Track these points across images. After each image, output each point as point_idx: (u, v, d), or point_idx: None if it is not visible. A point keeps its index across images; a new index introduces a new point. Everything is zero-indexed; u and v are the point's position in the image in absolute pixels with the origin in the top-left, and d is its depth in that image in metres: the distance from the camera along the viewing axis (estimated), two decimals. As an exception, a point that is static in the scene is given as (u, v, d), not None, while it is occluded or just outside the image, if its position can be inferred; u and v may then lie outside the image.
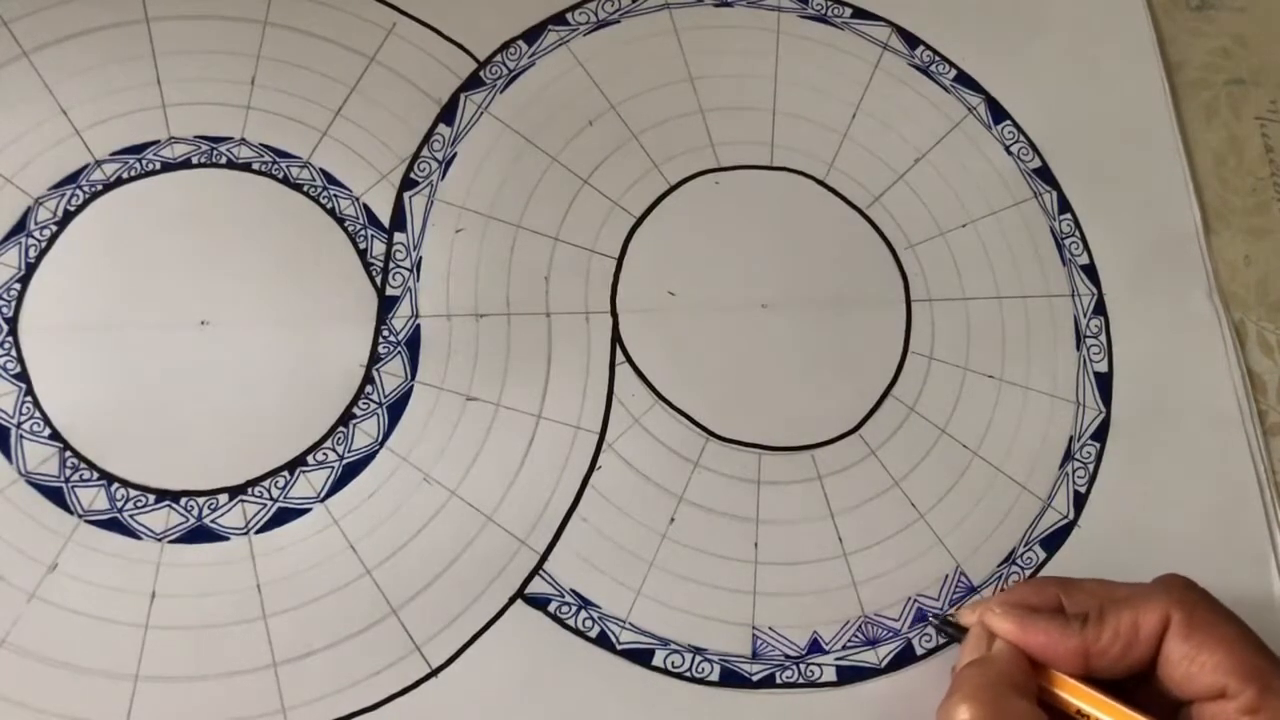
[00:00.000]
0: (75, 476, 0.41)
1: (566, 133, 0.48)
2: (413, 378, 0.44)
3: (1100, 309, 0.49)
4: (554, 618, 0.42)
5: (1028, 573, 0.45)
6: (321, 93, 0.47)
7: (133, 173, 0.45)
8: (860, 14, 0.53)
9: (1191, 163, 0.53)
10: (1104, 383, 0.48)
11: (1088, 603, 0.39)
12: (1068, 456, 0.47)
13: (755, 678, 0.42)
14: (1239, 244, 0.52)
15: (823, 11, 0.52)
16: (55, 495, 0.40)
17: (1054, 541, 0.45)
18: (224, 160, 0.46)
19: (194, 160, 0.45)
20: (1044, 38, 0.54)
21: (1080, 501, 0.46)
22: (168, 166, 0.45)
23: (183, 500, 0.41)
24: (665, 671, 0.41)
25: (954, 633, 0.42)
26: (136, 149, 0.45)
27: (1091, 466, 0.47)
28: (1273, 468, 0.48)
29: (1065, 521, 0.46)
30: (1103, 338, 0.49)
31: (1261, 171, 0.53)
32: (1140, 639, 0.37)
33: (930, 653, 0.43)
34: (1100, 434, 0.47)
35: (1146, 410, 0.48)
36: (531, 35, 0.50)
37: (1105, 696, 0.37)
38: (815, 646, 0.43)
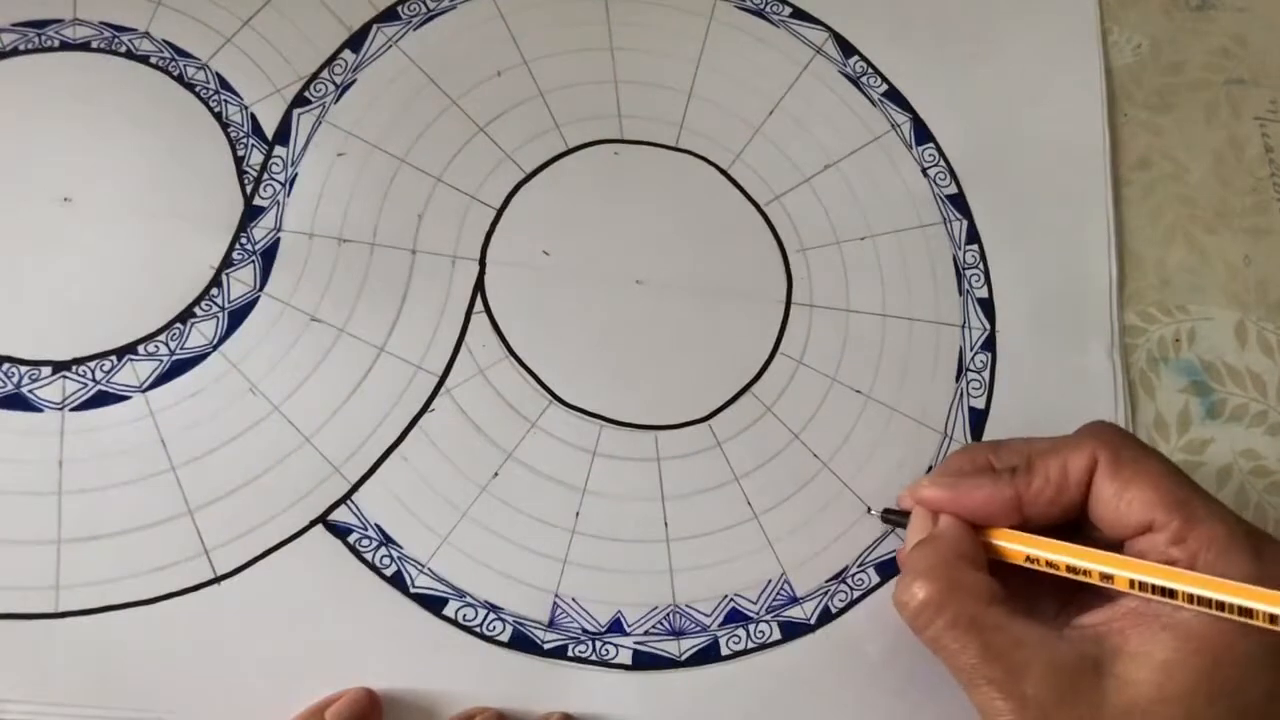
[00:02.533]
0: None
1: (472, 79, 0.50)
2: (261, 288, 0.45)
3: (990, 345, 0.50)
4: (352, 549, 0.43)
5: (857, 594, 0.45)
6: (234, 0, 0.49)
7: (30, 46, 0.47)
8: (800, 14, 0.54)
9: (1119, 223, 0.53)
10: (978, 419, 0.49)
11: (1016, 457, 0.41)
12: (923, 486, 0.47)
13: (547, 646, 0.43)
14: (1239, 244, 0.53)
15: (761, 6, 0.54)
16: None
17: (891, 568, 0.46)
18: (124, 49, 0.48)
19: (94, 44, 0.48)
20: (987, 68, 0.55)
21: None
22: (66, 46, 0.47)
23: (4, 366, 0.43)
24: (455, 623, 0.42)
25: (897, 519, 0.44)
26: (39, 24, 0.47)
27: (946, 500, 0.47)
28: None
29: (907, 550, 0.46)
30: (986, 374, 0.49)
31: (1261, 171, 0.55)
32: (1070, 481, 0.39)
33: (736, 655, 0.43)
34: (963, 469, 0.47)
35: (1017, 455, 0.48)
36: (459, -21, 0.52)
37: (1047, 539, 0.39)
38: (616, 626, 0.43)
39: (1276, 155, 0.55)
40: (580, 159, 0.50)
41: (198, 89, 0.48)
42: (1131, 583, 0.37)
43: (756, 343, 0.48)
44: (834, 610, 0.45)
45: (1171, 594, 0.37)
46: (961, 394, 0.49)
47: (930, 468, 0.47)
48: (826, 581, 0.45)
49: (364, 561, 0.42)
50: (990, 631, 0.37)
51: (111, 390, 0.43)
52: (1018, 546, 0.40)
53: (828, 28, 0.54)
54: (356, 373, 0.45)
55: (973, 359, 0.49)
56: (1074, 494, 0.39)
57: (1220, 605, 0.36)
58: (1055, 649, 0.37)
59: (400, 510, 0.43)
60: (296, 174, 0.47)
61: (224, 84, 0.48)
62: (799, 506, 0.46)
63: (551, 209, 0.49)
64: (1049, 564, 0.39)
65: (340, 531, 0.43)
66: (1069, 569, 0.39)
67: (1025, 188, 0.53)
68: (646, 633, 0.43)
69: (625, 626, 0.43)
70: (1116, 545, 0.39)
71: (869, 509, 0.46)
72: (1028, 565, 0.40)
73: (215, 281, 0.45)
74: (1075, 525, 0.40)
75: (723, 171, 0.51)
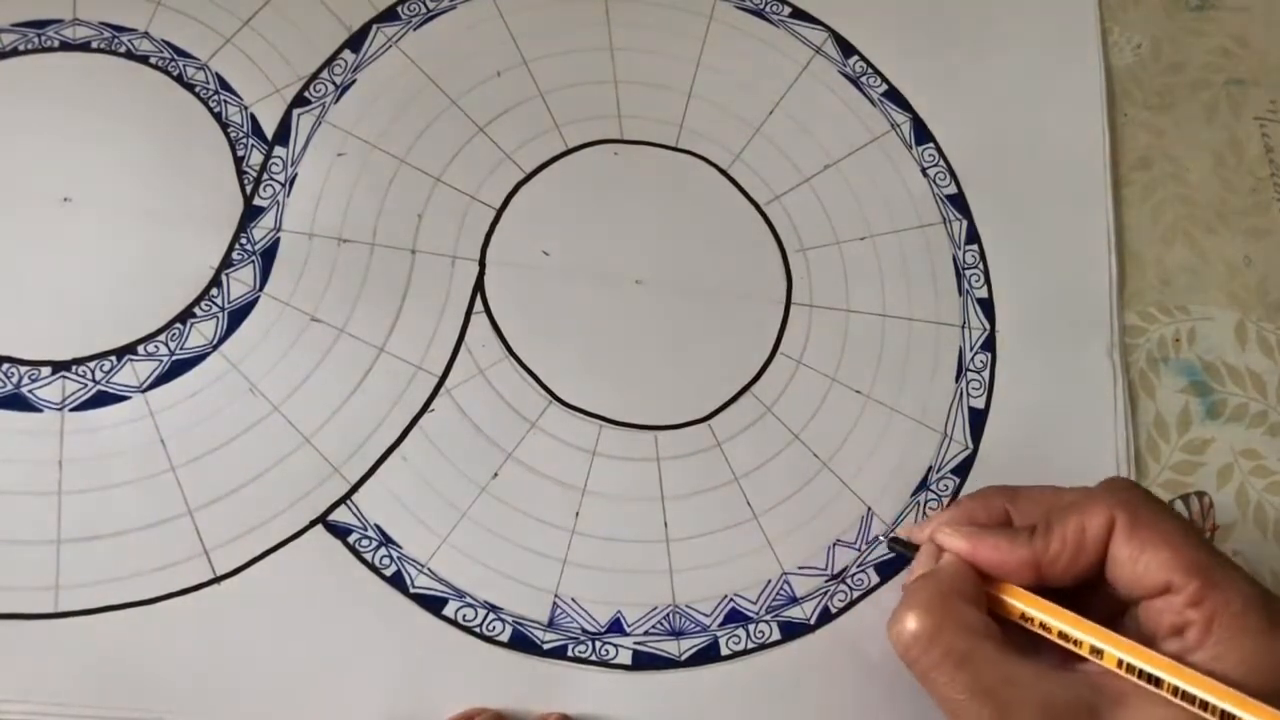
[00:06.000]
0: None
1: (472, 79, 0.50)
2: (261, 288, 0.46)
3: (989, 345, 0.50)
4: (351, 549, 0.43)
5: (856, 594, 0.45)
6: (234, 0, 0.49)
7: (29, 46, 0.47)
8: (799, 14, 0.54)
9: (1119, 223, 0.53)
10: (977, 419, 0.49)
11: (1034, 513, 0.41)
12: (923, 485, 0.47)
13: (546, 646, 0.43)
14: (1239, 244, 0.53)
15: (761, 6, 0.54)
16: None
17: (890, 568, 0.46)
18: (123, 50, 0.48)
19: (93, 45, 0.48)
20: (987, 68, 0.55)
21: (927, 534, 0.46)
22: (66, 46, 0.48)
23: (4, 366, 0.43)
24: (454, 623, 0.42)
25: (905, 550, 0.44)
26: (39, 24, 0.48)
27: (946, 500, 0.47)
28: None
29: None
30: (985, 374, 0.49)
31: (1261, 171, 0.55)
32: (1087, 543, 0.38)
33: (736, 655, 0.44)
34: (962, 470, 0.48)
35: (1017, 456, 0.48)
36: (458, -20, 0.52)
37: (1046, 600, 0.39)
38: (616, 626, 0.43)
39: (1276, 155, 0.55)
40: (580, 159, 0.50)
41: (198, 89, 0.48)
42: (1120, 662, 0.37)
43: (756, 343, 0.48)
44: (834, 610, 0.45)
45: (1157, 682, 0.36)
46: (961, 394, 0.49)
47: (930, 468, 0.47)
48: (826, 581, 0.45)
49: (364, 562, 0.43)
50: (981, 667, 0.37)
51: (111, 390, 0.43)
52: (1016, 602, 0.39)
53: (827, 28, 0.55)
54: (356, 373, 0.45)
55: (973, 359, 0.50)
56: (1091, 556, 0.38)
57: (1204, 705, 0.35)
58: (1049, 689, 0.36)
59: (400, 510, 0.44)
60: (296, 174, 0.47)
61: (224, 84, 0.48)
62: (799, 506, 0.46)
63: (551, 209, 0.49)
64: (1043, 626, 0.39)
65: (340, 531, 0.43)
66: (1061, 635, 0.38)
67: (1025, 188, 0.53)
68: (646, 633, 0.43)
69: (625, 626, 0.43)
70: (1132, 606, 0.39)
71: (881, 536, 0.46)
72: (1022, 623, 0.39)
73: (215, 281, 0.45)
74: (1092, 583, 0.40)
75: (723, 171, 0.51)
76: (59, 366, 0.43)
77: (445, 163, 0.49)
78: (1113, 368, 0.50)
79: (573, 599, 0.43)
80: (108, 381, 0.43)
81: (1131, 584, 0.38)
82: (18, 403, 0.43)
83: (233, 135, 0.47)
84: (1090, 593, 0.40)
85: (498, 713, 0.40)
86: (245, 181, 0.47)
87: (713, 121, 0.52)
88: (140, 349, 0.44)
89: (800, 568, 0.45)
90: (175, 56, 0.48)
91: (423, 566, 0.43)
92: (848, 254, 0.50)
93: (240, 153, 0.47)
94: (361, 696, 0.41)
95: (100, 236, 0.45)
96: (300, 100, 0.49)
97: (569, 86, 0.51)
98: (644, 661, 0.43)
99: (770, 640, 0.44)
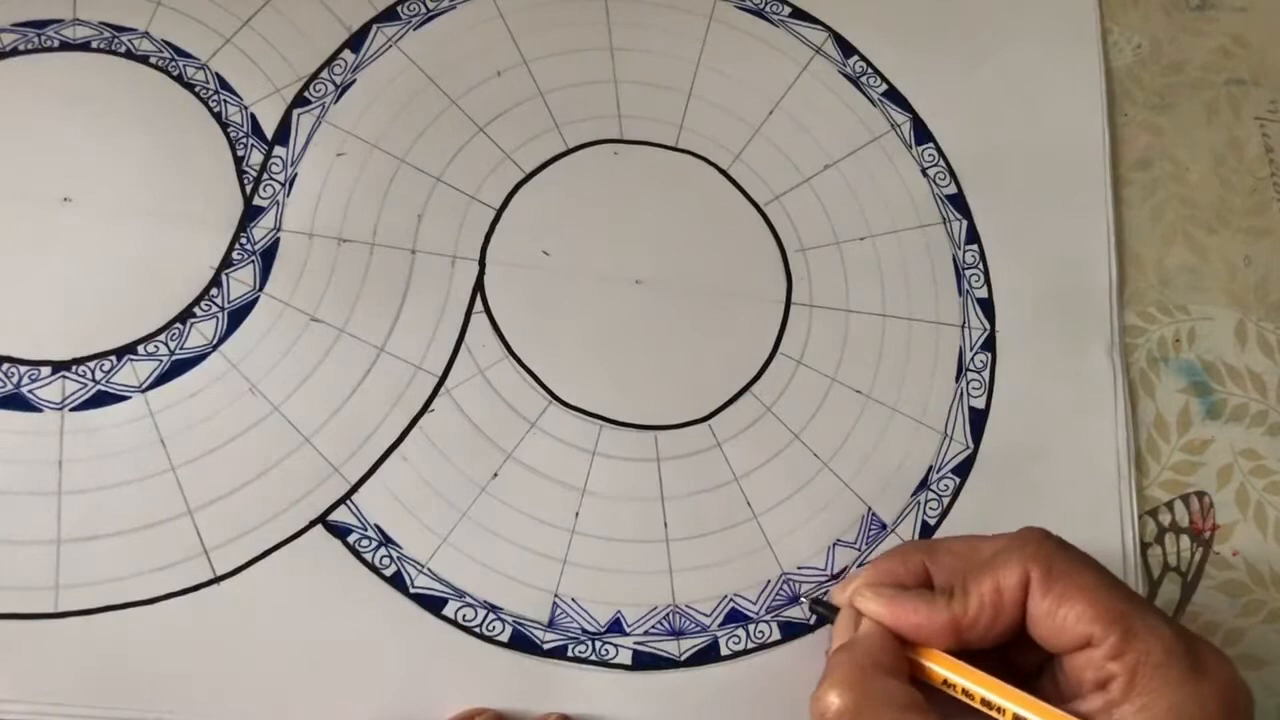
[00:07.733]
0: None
1: (472, 79, 0.50)
2: (261, 288, 0.46)
3: (989, 345, 0.50)
4: (351, 549, 0.43)
5: (856, 594, 0.45)
6: (234, 0, 0.49)
7: (29, 46, 0.47)
8: (799, 14, 0.54)
9: (1119, 223, 0.53)
10: (978, 419, 0.49)
11: (953, 567, 0.40)
12: (923, 485, 0.47)
13: (546, 646, 0.43)
14: (1239, 244, 0.53)
15: (761, 6, 0.54)
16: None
17: (890, 568, 0.46)
18: (124, 50, 0.48)
19: (93, 44, 0.48)
20: (988, 69, 0.55)
21: (927, 533, 0.47)
22: (66, 46, 0.48)
23: (4, 366, 0.43)
24: (454, 623, 0.42)
25: (826, 613, 0.43)
26: (39, 24, 0.48)
27: (946, 500, 0.47)
28: (1144, 545, 0.48)
29: (907, 550, 0.46)
30: (986, 374, 0.49)
31: (1261, 171, 0.55)
32: (1005, 603, 0.38)
33: (736, 655, 0.44)
34: (963, 469, 0.48)
35: (1017, 455, 0.48)
36: (458, -21, 0.52)
37: (969, 665, 0.38)
38: (616, 626, 0.43)
39: (1276, 155, 0.55)
40: (580, 159, 0.50)
41: (198, 89, 0.48)
42: None
43: (756, 343, 0.48)
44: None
45: None
46: (961, 394, 0.49)
47: (930, 468, 0.47)
48: (826, 581, 0.45)
49: (364, 562, 0.43)
50: None
51: (111, 390, 0.43)
52: (938, 668, 0.38)
53: (828, 28, 0.54)
54: (356, 373, 0.45)
55: (973, 359, 0.49)
56: (1011, 615, 0.38)
57: None
58: None
59: (400, 510, 0.44)
60: (296, 174, 0.47)
61: (224, 84, 0.48)
62: (799, 506, 0.46)
63: (551, 209, 0.49)
64: (965, 693, 0.38)
65: (340, 532, 0.43)
66: (984, 702, 0.38)
67: (1025, 187, 0.53)
68: (646, 633, 0.43)
69: (625, 626, 0.43)
70: (1056, 659, 0.38)
71: (800, 597, 0.45)
72: (945, 689, 0.39)
73: (215, 281, 0.45)
74: (1021, 637, 0.39)
75: (723, 171, 0.51)
76: (59, 366, 0.43)
77: (445, 163, 0.49)
78: (1113, 368, 0.50)
79: (573, 599, 0.43)
80: (108, 381, 0.43)
81: (1052, 639, 0.37)
82: (18, 403, 0.42)
83: (233, 135, 0.47)
84: (1020, 644, 0.39)
85: (498, 713, 0.40)
86: (245, 181, 0.47)
87: (713, 121, 0.52)
88: (140, 349, 0.44)
89: (800, 568, 0.45)
90: (175, 56, 0.48)
91: (423, 566, 0.43)
92: (848, 254, 0.50)
93: (240, 152, 0.47)
94: (361, 696, 0.40)
95: (100, 236, 0.45)
96: (300, 100, 0.48)
97: (569, 86, 0.51)
98: (644, 661, 0.43)
99: (770, 640, 0.44)
